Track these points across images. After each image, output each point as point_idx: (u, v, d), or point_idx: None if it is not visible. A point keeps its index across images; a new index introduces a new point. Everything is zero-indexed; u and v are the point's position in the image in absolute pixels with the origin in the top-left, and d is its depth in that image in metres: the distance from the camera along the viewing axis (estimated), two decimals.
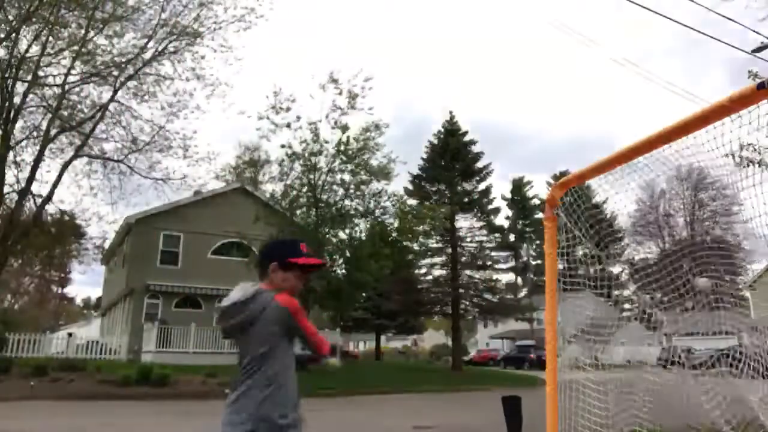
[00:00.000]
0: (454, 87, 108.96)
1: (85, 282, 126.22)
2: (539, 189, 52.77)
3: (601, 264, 4.10)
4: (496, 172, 63.60)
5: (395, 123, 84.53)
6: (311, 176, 18.81)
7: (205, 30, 19.98)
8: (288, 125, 18.31)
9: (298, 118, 18.31)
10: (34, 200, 19.85)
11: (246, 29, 20.21)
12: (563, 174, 34.00)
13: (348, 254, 18.87)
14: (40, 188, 20.02)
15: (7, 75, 18.16)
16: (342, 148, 18.52)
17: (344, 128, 18.55)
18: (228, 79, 28.42)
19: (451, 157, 27.15)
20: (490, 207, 27.95)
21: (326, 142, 18.66)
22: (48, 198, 19.62)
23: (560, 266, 3.91)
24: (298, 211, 19.43)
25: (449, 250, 26.61)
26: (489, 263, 27.97)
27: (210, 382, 15.11)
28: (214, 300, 24.32)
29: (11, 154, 18.97)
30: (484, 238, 27.83)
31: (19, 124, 19.39)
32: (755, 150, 7.42)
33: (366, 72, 18.67)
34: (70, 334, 22.85)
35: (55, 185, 19.53)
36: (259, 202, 22.83)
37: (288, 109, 18.21)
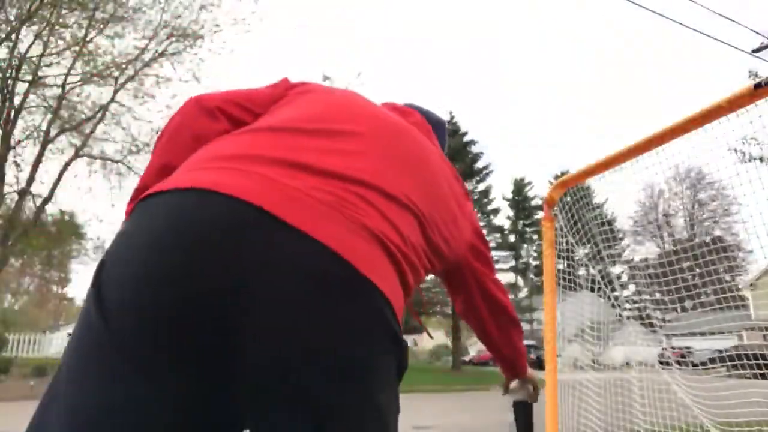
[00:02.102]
0: (454, 86, 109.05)
1: (85, 282, 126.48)
2: (540, 189, 52.77)
3: (600, 264, 4.10)
4: (497, 173, 63.67)
5: None
6: None
7: (205, 31, 19.97)
8: None
9: None
10: (34, 200, 19.86)
11: (247, 32, 20.22)
12: (564, 174, 33.94)
13: None
14: (40, 188, 19.99)
15: (7, 75, 18.17)
16: None
17: None
18: (226, 79, 28.28)
19: (451, 158, 26.98)
20: (490, 207, 28.04)
21: None
22: (48, 198, 19.63)
23: (560, 266, 3.91)
24: None
25: None
26: None
27: None
28: None
29: (11, 154, 18.98)
30: None
31: (20, 124, 19.39)
32: (757, 143, 7.41)
33: (361, 70, 18.30)
34: (70, 334, 22.81)
35: (55, 186, 19.53)
36: None
37: None
